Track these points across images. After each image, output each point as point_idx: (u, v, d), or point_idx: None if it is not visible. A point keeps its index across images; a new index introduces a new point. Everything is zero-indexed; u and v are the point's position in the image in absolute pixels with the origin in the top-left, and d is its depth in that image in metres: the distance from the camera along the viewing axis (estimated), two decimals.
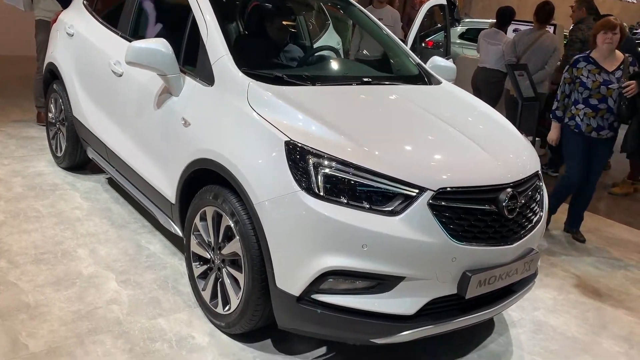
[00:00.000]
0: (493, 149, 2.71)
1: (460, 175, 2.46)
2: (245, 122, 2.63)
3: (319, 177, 2.34)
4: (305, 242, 2.34)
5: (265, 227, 2.43)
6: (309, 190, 2.33)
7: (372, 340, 2.45)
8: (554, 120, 4.55)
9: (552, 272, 4.02)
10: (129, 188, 3.71)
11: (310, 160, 2.37)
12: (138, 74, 3.40)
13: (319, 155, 2.37)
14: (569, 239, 4.67)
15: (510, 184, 2.56)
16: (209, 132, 2.79)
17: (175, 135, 3.02)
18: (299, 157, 2.39)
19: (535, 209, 2.77)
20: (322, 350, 2.80)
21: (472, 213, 2.44)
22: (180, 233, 3.21)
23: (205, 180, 2.85)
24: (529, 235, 2.67)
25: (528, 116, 4.96)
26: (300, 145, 2.41)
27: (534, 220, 2.74)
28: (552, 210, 4.65)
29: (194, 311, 3.00)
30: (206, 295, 2.91)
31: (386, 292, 2.38)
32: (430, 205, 2.35)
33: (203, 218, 2.88)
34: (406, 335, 2.43)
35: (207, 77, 2.93)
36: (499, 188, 2.52)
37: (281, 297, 2.45)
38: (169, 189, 3.13)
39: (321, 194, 2.33)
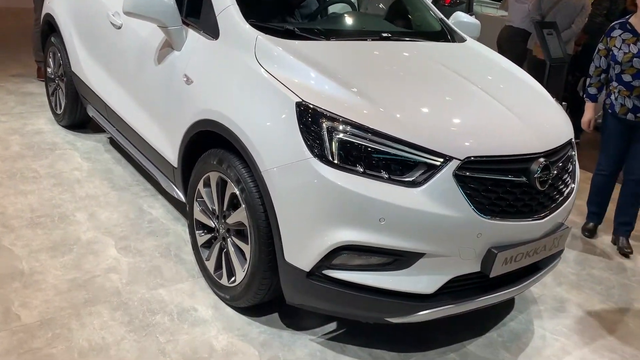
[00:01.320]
0: (524, 113, 2.46)
1: (490, 142, 2.23)
2: (252, 80, 2.40)
3: (334, 143, 2.12)
4: (317, 214, 2.14)
5: (274, 197, 2.22)
6: (322, 157, 2.11)
7: (387, 319, 2.28)
8: (587, 100, 3.88)
9: (574, 245, 3.82)
10: (131, 149, 3.51)
11: (324, 124, 2.14)
12: (138, 26, 3.14)
13: (333, 118, 2.14)
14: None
15: (543, 153, 2.33)
16: (212, 91, 2.56)
17: (177, 94, 2.79)
18: (311, 120, 2.16)
19: (567, 180, 2.54)
20: (332, 325, 2.64)
21: (500, 185, 2.22)
22: (183, 198, 3.02)
23: (209, 143, 2.63)
24: (559, 209, 2.46)
25: (556, 78, 4.63)
26: (312, 106, 2.17)
27: (565, 193, 2.52)
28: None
29: (197, 282, 2.83)
30: (210, 265, 2.74)
31: (404, 269, 2.19)
32: (456, 176, 2.12)
33: (207, 184, 2.68)
34: (424, 315, 2.25)
35: (212, 30, 2.68)
36: (531, 158, 2.29)
37: (290, 272, 2.27)
38: (171, 152, 2.92)
39: (335, 161, 2.11)
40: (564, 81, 5.03)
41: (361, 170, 2.11)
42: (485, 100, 2.46)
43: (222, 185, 2.56)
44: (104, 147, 4.31)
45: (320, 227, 2.14)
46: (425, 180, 2.11)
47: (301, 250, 2.20)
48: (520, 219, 2.28)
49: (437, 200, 2.11)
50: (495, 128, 2.32)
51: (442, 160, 2.12)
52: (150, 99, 3.08)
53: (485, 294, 2.37)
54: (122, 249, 3.03)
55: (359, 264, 2.20)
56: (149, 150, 3.21)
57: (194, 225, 2.82)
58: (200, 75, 2.64)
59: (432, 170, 2.12)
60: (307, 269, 2.21)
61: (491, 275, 2.27)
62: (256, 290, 2.45)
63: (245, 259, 2.49)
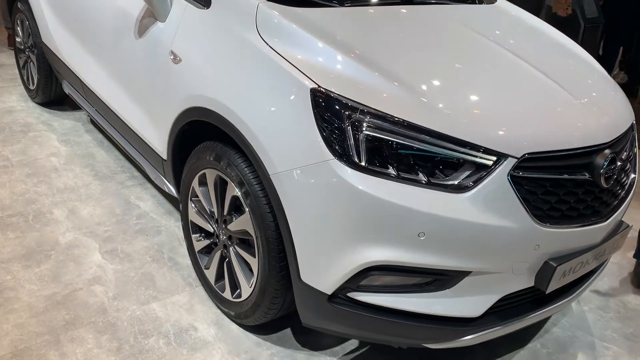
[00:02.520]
0: (583, 95, 2.04)
1: (550, 134, 1.82)
2: (254, 59, 1.95)
3: (360, 140, 1.70)
4: (342, 229, 1.74)
5: (286, 206, 1.82)
6: (345, 158, 1.70)
7: (425, 345, 1.92)
8: None
9: None
10: (114, 134, 3.06)
11: (348, 117, 1.72)
12: None
13: (359, 109, 1.72)
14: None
15: (608, 143, 1.93)
16: (205, 72, 2.11)
17: (163, 74, 2.34)
18: (331, 112, 1.74)
19: (629, 170, 2.15)
20: (355, 343, 2.28)
21: (560, 185, 1.82)
22: (175, 193, 2.61)
23: (204, 132, 2.21)
24: (622, 205, 2.08)
25: (591, 41, 4.15)
26: (333, 94, 1.75)
27: (627, 186, 2.13)
28: None
29: (196, 291, 2.46)
30: (210, 275, 2.36)
31: (445, 289, 1.81)
32: (511, 178, 1.73)
33: (203, 182, 2.27)
34: (468, 340, 1.90)
35: None
36: (595, 150, 1.89)
37: (307, 294, 1.89)
38: (159, 142, 2.50)
39: (362, 163, 1.70)
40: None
41: (394, 173, 1.70)
42: (539, 79, 2.03)
43: (221, 185, 2.16)
44: (84, 127, 3.86)
45: (345, 243, 1.75)
46: (474, 183, 1.71)
47: (321, 270, 1.82)
48: (583, 224, 1.90)
49: (488, 208, 1.72)
50: (555, 116, 1.90)
51: (494, 158, 1.72)
52: (132, 78, 2.62)
53: (537, 310, 2.01)
54: (107, 253, 2.64)
55: (391, 285, 1.82)
56: (134, 138, 2.78)
57: (190, 228, 2.43)
58: (189, 52, 2.19)
59: (482, 171, 1.72)
60: (329, 292, 1.83)
61: (547, 292, 1.91)
62: (266, 309, 2.08)
63: (252, 273, 2.11)
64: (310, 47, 1.89)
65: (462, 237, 1.72)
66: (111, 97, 2.88)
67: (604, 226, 1.97)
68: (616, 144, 1.98)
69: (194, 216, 2.37)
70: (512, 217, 1.74)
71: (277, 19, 1.99)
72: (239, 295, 2.20)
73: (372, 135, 1.70)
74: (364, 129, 1.70)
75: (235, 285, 2.24)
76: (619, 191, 2.06)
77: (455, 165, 1.73)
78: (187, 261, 2.63)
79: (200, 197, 2.29)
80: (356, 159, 1.70)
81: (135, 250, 2.68)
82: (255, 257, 2.04)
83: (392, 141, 1.70)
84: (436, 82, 1.87)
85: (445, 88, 1.86)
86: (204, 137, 2.23)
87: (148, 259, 2.63)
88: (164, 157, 2.49)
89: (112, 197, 3.08)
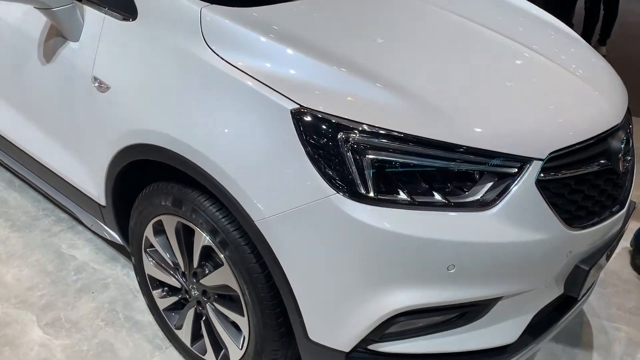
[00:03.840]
0: (589, 76, 1.83)
1: (571, 125, 1.59)
2: (208, 79, 1.57)
3: (364, 165, 1.39)
4: (357, 275, 1.44)
5: (281, 256, 1.49)
6: (350, 191, 1.39)
7: None
8: None
9: None
10: (29, 177, 2.55)
11: (345, 140, 1.40)
12: (3, 12, 2.14)
13: (356, 128, 1.40)
14: None
15: (620, 124, 1.74)
16: (144, 101, 1.70)
17: (87, 107, 1.89)
18: (323, 136, 1.41)
19: (631, 147, 1.98)
20: None
21: (584, 180, 1.61)
22: (120, 240, 2.19)
23: (153, 167, 1.82)
24: (632, 185, 1.91)
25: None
26: (321, 114, 1.42)
27: (632, 163, 1.96)
28: None
29: (168, 355, 2.08)
30: (184, 335, 1.98)
31: (476, 320, 1.56)
32: (539, 183, 1.48)
33: (159, 231, 1.87)
34: None
35: (123, 5, 1.78)
36: (609, 133, 1.69)
37: (318, 354, 1.58)
38: (94, 187, 2.05)
39: (371, 194, 1.39)
40: None
41: (407, 199, 1.41)
42: (546, 66, 1.78)
43: (185, 233, 1.78)
44: None
45: (364, 291, 1.45)
46: (499, 196, 1.45)
47: (335, 325, 1.51)
48: (607, 217, 1.71)
49: (518, 222, 1.47)
50: (571, 104, 1.67)
51: (518, 164, 1.46)
52: (49, 114, 2.12)
53: (563, 316, 1.81)
54: (49, 325, 2.19)
55: (418, 328, 1.55)
56: (59, 183, 2.29)
57: (148, 284, 2.03)
58: (118, 78, 1.76)
59: (505, 181, 1.46)
60: (347, 349, 1.53)
61: (579, 297, 1.71)
62: None
63: (240, 331, 1.76)
64: (279, 57, 1.54)
65: (496, 261, 1.46)
66: (21, 136, 2.36)
67: (622, 213, 1.79)
68: (625, 124, 1.80)
69: (152, 270, 1.98)
70: (544, 228, 1.50)
71: (228, 26, 1.61)
72: (226, 358, 1.86)
73: (378, 159, 1.39)
74: (366, 152, 1.39)
75: (218, 347, 1.88)
76: (628, 171, 1.89)
77: (472, 179, 1.46)
78: (148, 317, 2.22)
79: (158, 248, 1.90)
80: (363, 190, 1.39)
81: (82, 316, 2.24)
82: (243, 315, 1.69)
83: (402, 162, 1.40)
84: (439, 85, 1.58)
85: (451, 90, 1.57)
86: (153, 174, 1.83)
87: (100, 323, 2.21)
88: (102, 202, 2.05)
89: (40, 250, 2.59)
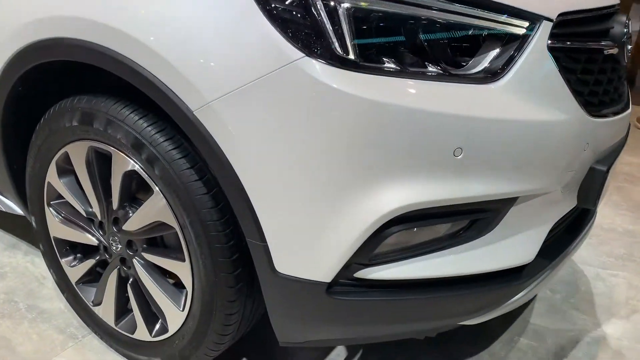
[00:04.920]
0: None
1: None
2: None
3: (341, 18, 1.04)
4: (336, 169, 1.07)
5: (231, 155, 1.10)
6: (323, 52, 1.03)
7: (464, 322, 1.33)
8: None
9: None
10: None
11: None
12: None
13: None
14: None
15: (618, 5, 1.50)
16: None
17: None
18: None
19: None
20: (339, 352, 1.62)
21: (593, 60, 1.34)
22: (16, 208, 1.72)
23: (47, 96, 1.39)
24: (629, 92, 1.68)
25: None
26: None
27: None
28: None
29: (85, 343, 1.61)
30: (105, 313, 1.52)
31: (488, 232, 1.22)
32: (551, 50, 1.19)
33: (65, 170, 1.43)
34: (519, 299, 1.34)
35: None
36: (614, 12, 1.44)
37: (289, 292, 1.19)
38: None
39: (351, 56, 1.04)
40: None
41: (396, 67, 1.07)
42: None
43: (99, 163, 1.35)
44: None
45: (345, 192, 1.08)
46: (506, 65, 1.15)
47: (310, 246, 1.12)
48: (617, 111, 1.44)
49: (530, 96, 1.16)
50: None
51: (527, 24, 1.16)
52: None
53: (574, 238, 1.52)
54: None
55: (416, 245, 1.19)
56: None
57: (55, 250, 1.56)
58: None
59: (512, 46, 1.16)
60: (328, 279, 1.15)
61: (597, 208, 1.43)
62: (216, 336, 1.32)
63: (182, 288, 1.34)
64: None
65: (508, 145, 1.14)
66: None
67: (628, 113, 1.54)
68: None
69: (58, 229, 1.52)
70: (560, 106, 1.20)
71: None
72: (164, 330, 1.42)
73: (357, 7, 1.05)
74: (342, 1, 1.05)
75: (152, 318, 1.44)
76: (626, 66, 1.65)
77: (472, 49, 1.15)
78: (58, 304, 1.74)
79: (66, 195, 1.45)
80: (340, 51, 1.04)
81: None
82: (184, 259, 1.27)
83: (386, 12, 1.07)
84: None
85: None
86: (39, 106, 1.41)
87: None
88: None
89: None
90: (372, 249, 1.13)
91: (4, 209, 1.76)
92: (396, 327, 1.28)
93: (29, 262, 1.96)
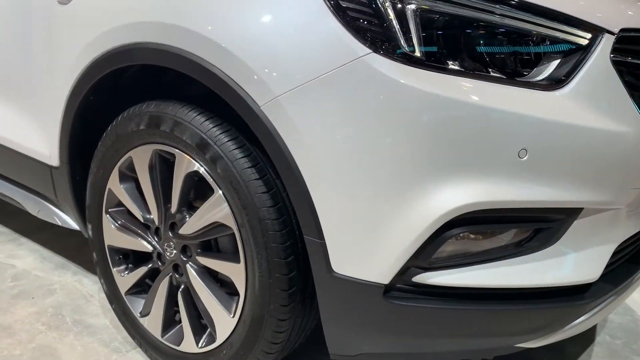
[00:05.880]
0: None
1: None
2: None
3: (409, 16, 1.08)
4: (400, 165, 1.07)
5: (295, 150, 1.12)
6: (389, 48, 1.07)
7: (521, 344, 1.26)
8: None
9: None
10: None
11: None
12: None
13: None
14: None
15: None
16: None
17: (40, 29, 1.54)
18: None
19: None
20: None
21: None
22: (73, 223, 1.76)
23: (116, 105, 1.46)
24: None
25: None
26: None
27: None
28: None
29: (128, 358, 1.58)
30: (151, 324, 1.51)
31: (551, 245, 1.19)
32: (614, 64, 1.20)
33: (126, 176, 1.47)
34: (581, 322, 1.27)
35: None
36: None
37: (344, 295, 1.16)
38: (44, 142, 1.65)
39: (417, 54, 1.07)
40: None
41: (460, 69, 1.10)
42: None
43: (161, 167, 1.39)
44: None
45: (409, 188, 1.07)
46: (570, 74, 1.15)
47: (369, 246, 1.11)
48: None
49: (595, 106, 1.16)
50: None
51: (589, 36, 1.18)
52: None
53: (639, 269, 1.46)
54: None
55: (478, 253, 1.16)
56: None
57: (108, 260, 1.58)
58: None
59: (574, 56, 1.17)
60: (386, 280, 1.12)
61: None
62: (266, 346, 1.29)
63: (235, 295, 1.32)
64: None
65: (572, 151, 1.13)
66: None
67: None
68: None
69: (114, 237, 1.54)
70: (623, 117, 1.19)
71: None
72: (211, 340, 1.39)
73: (423, 8, 1.09)
74: (410, 1, 1.09)
75: (200, 328, 1.42)
76: None
77: (538, 52, 1.17)
78: (104, 321, 1.74)
79: (126, 201, 1.48)
80: (407, 48, 1.07)
81: (17, 320, 1.73)
82: (239, 261, 1.27)
83: (453, 13, 1.10)
84: None
85: None
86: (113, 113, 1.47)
87: (41, 327, 1.70)
88: (54, 162, 1.64)
89: None
90: (432, 251, 1.11)
91: (60, 223, 1.80)
92: (453, 342, 1.22)
93: (77, 282, 1.98)
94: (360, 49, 1.07)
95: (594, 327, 1.87)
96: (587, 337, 1.82)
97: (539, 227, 1.17)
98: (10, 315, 1.76)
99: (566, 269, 1.21)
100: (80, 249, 2.13)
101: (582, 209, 1.18)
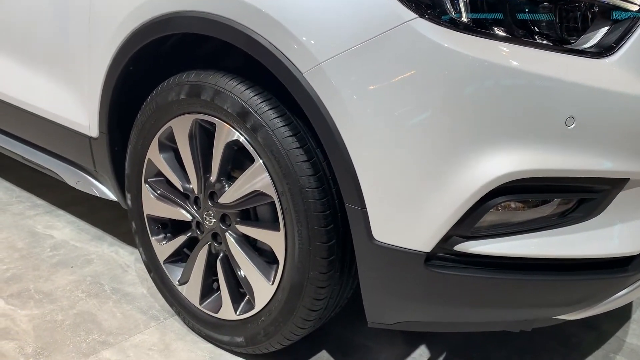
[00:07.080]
0: None
1: None
2: None
3: None
4: (445, 131, 1.07)
5: (337, 118, 1.12)
6: (437, 13, 1.06)
7: (559, 316, 1.26)
8: None
9: None
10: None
11: None
12: None
13: None
14: None
15: None
16: None
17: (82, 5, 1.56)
18: None
19: None
20: (421, 348, 1.56)
21: None
22: (111, 194, 1.78)
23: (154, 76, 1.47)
24: None
25: None
26: None
27: None
28: None
29: (167, 325, 1.62)
30: (190, 292, 1.54)
31: (595, 216, 1.18)
32: None
33: (166, 146, 1.49)
34: (623, 295, 1.26)
35: None
36: None
37: (386, 264, 1.17)
38: (83, 113, 1.67)
39: (464, 19, 1.06)
40: None
41: (507, 35, 1.08)
42: None
43: (201, 136, 1.40)
44: None
45: (453, 154, 1.07)
46: (619, 41, 1.13)
47: (411, 213, 1.11)
48: None
49: None
50: None
51: (639, 2, 1.15)
52: (27, 37, 1.79)
53: None
54: (13, 296, 1.72)
55: (521, 223, 1.15)
56: (38, 127, 1.90)
57: (147, 229, 1.60)
58: None
59: (623, 24, 1.14)
60: (427, 249, 1.12)
61: None
62: (305, 314, 1.31)
63: (273, 263, 1.34)
64: None
65: (620, 120, 1.11)
66: None
67: None
68: None
69: (153, 207, 1.57)
70: None
71: None
72: (249, 307, 1.41)
73: None
74: None
75: (238, 295, 1.44)
76: None
77: (585, 20, 1.14)
78: (141, 290, 1.78)
79: (165, 170, 1.50)
80: (453, 13, 1.06)
81: (58, 288, 1.77)
82: (279, 229, 1.28)
83: None
84: None
85: None
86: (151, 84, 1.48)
87: (81, 294, 1.74)
88: (93, 133, 1.66)
89: (9, 230, 2.14)
90: (475, 220, 1.11)
91: (98, 194, 1.83)
92: (492, 312, 1.23)
93: (114, 252, 2.01)
94: (406, 13, 1.06)
95: (630, 304, 1.85)
96: (624, 314, 1.80)
97: (583, 197, 1.16)
98: (51, 282, 1.80)
99: (609, 241, 1.20)
100: (116, 222, 2.16)
101: (627, 180, 1.17)
